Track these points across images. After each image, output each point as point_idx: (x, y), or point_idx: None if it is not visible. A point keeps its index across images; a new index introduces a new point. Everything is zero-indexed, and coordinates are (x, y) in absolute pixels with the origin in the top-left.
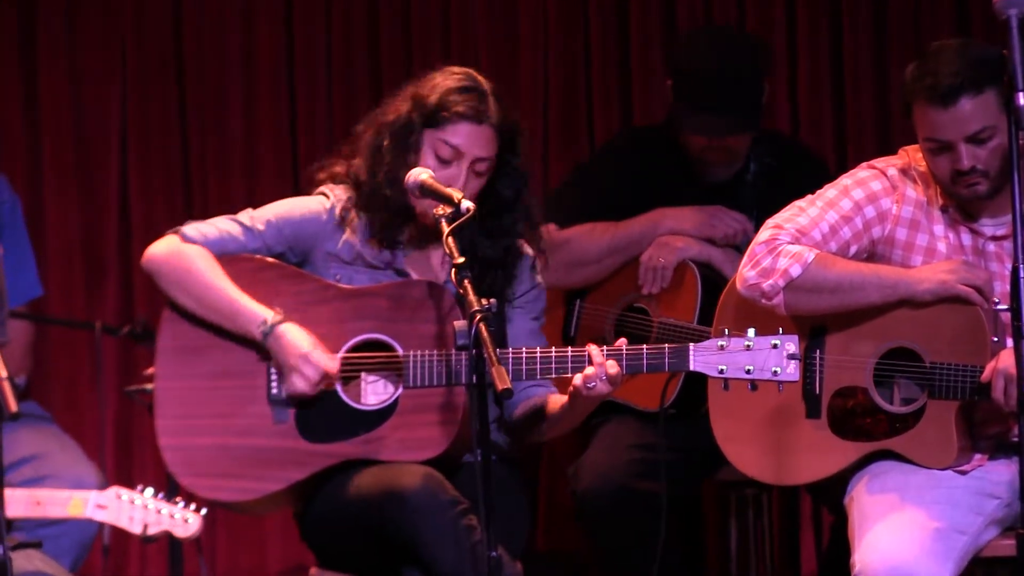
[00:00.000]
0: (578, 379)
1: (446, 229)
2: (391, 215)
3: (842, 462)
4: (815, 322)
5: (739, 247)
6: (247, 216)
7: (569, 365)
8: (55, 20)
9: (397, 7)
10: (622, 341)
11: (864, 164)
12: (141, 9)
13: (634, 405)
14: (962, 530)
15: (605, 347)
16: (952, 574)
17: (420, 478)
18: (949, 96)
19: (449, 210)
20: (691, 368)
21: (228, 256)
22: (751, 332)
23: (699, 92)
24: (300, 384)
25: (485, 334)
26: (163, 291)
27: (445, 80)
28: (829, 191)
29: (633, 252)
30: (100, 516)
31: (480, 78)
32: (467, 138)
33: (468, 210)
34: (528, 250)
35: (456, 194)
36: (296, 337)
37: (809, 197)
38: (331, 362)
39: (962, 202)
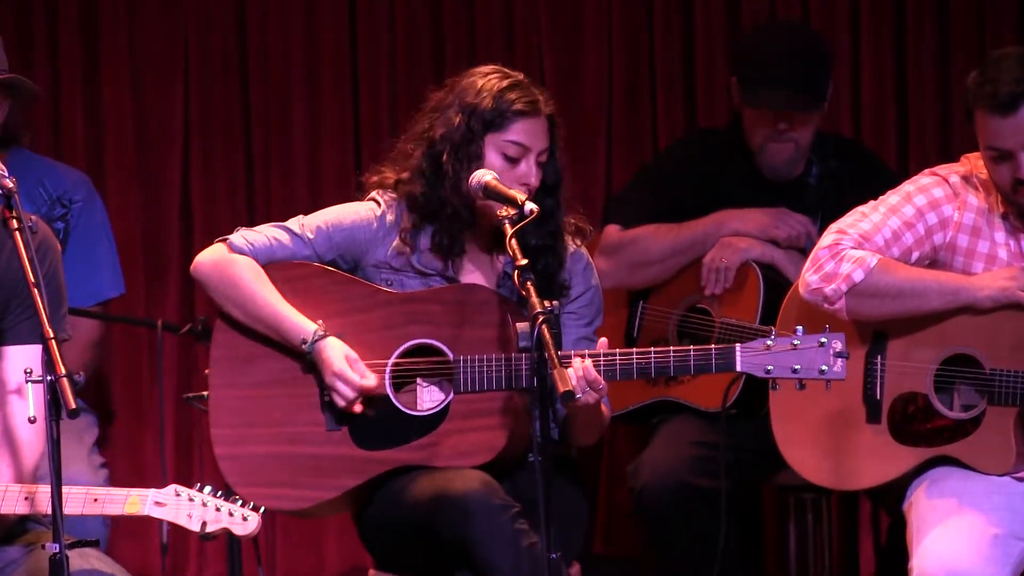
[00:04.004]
0: None
1: (509, 231)
2: (459, 224)
3: (901, 467)
4: (877, 327)
5: (802, 249)
6: (297, 223)
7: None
8: (118, 20)
9: (461, 8)
10: (603, 343)
11: (926, 171)
12: (204, 9)
13: (696, 405)
14: (1020, 536)
15: (594, 352)
16: None
17: (474, 482)
18: (1009, 104)
19: (512, 212)
20: (738, 368)
21: (279, 263)
22: (799, 330)
23: (765, 67)
24: (339, 401)
25: (547, 336)
26: (212, 300)
27: (488, 82)
28: (892, 197)
29: (696, 253)
30: (158, 513)
31: (512, 71)
32: (529, 133)
33: (532, 212)
34: (583, 249)
35: (520, 196)
36: (333, 354)
37: (872, 203)
38: (367, 379)
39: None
